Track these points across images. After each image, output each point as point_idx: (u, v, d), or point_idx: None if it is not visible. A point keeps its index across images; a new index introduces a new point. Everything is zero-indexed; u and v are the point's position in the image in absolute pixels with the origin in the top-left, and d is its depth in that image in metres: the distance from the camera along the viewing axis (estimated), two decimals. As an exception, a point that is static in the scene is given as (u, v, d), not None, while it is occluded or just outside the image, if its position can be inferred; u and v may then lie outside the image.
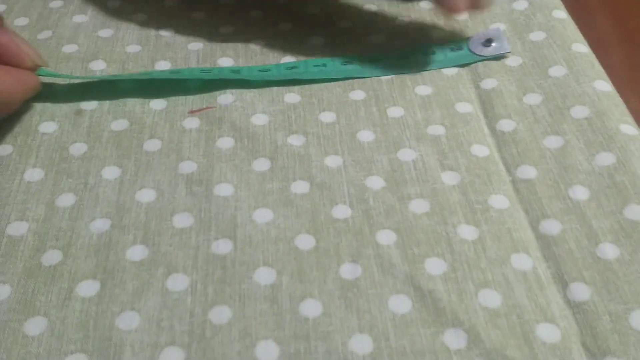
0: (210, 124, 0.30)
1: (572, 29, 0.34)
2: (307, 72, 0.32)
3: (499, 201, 0.27)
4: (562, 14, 0.35)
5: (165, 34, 0.36)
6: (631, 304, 0.23)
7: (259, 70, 0.33)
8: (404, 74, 0.32)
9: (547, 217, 0.26)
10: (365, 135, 0.30)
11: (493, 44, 0.33)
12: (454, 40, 0.34)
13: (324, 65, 0.33)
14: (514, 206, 0.26)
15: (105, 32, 0.35)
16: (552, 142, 0.29)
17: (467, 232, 0.25)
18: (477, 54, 0.33)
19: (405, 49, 0.34)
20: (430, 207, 0.26)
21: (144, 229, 0.26)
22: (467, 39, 0.34)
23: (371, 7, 0.37)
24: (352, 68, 0.33)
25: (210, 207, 0.27)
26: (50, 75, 0.32)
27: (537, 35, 0.34)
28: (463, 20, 0.35)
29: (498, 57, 0.33)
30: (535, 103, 0.30)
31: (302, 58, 0.34)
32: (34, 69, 0.30)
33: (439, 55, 0.33)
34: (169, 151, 0.29)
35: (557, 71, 0.32)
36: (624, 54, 0.34)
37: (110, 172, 0.28)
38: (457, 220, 0.26)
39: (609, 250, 0.24)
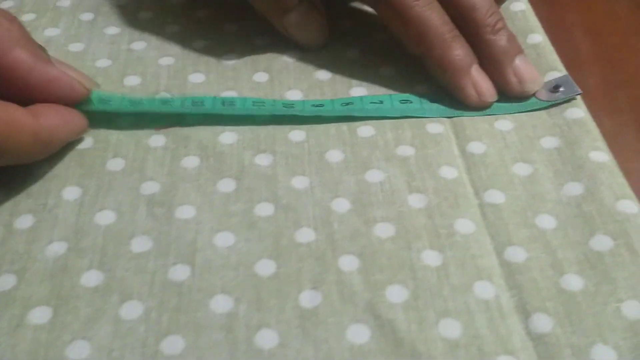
0: (176, 142, 0.30)
1: (548, 54, 0.34)
2: (364, 109, 0.31)
3: (465, 225, 0.26)
4: (538, 37, 0.34)
5: (136, 47, 0.35)
6: (593, 337, 0.22)
7: (313, 105, 0.31)
8: (466, 116, 0.31)
9: (513, 244, 0.25)
10: (334, 155, 0.29)
11: (561, 89, 0.31)
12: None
13: (381, 102, 0.31)
14: (479, 231, 0.26)
15: (75, 47, 0.35)
16: (521, 169, 0.28)
17: (431, 257, 0.25)
18: (544, 100, 0.31)
19: None
20: (396, 231, 0.26)
21: (100, 253, 0.25)
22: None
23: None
24: (411, 107, 0.31)
25: (170, 231, 0.26)
26: (102, 100, 0.30)
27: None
28: None
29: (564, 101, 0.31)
30: (506, 129, 0.30)
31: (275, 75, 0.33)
32: (88, 93, 0.29)
33: (504, 100, 0.31)
34: (132, 170, 0.29)
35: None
36: (600, 73, 0.34)
37: (71, 193, 0.28)
38: (422, 245, 0.25)
39: (573, 282, 0.24)
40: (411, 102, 0.32)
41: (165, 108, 0.30)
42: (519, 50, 0.31)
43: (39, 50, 0.28)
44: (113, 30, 0.36)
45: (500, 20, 0.31)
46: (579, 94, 0.31)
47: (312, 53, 0.34)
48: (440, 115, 0.31)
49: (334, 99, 0.32)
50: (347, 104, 0.31)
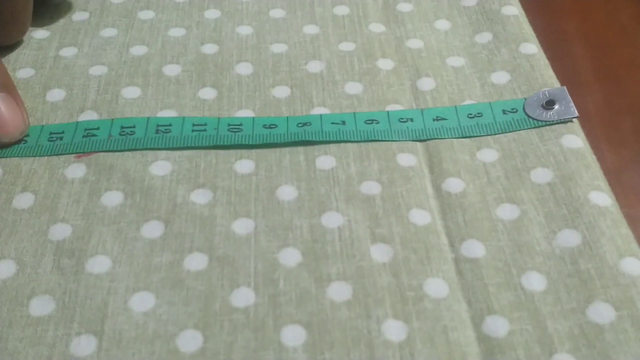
0: (98, 173, 0.25)
1: (543, 69, 0.29)
2: (322, 131, 0.26)
3: (437, 287, 0.21)
4: (532, 47, 0.30)
5: (66, 54, 0.30)
6: None
7: (264, 126, 0.27)
8: (442, 139, 0.26)
9: (493, 312, 0.21)
10: (287, 192, 0.25)
11: (555, 107, 0.27)
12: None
13: (343, 122, 0.27)
14: (454, 295, 0.21)
15: (-7, 52, 0.30)
16: (507, 212, 0.24)
17: (394, 330, 0.20)
18: (534, 118, 0.27)
19: (443, 107, 0.27)
20: (353, 293, 0.21)
21: (-9, 317, 0.21)
22: (524, 98, 0.28)
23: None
24: (377, 129, 0.26)
25: (78, 289, 0.21)
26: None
27: (499, 77, 0.29)
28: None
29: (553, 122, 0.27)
30: (490, 160, 0.25)
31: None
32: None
33: (487, 117, 0.27)
34: (41, 209, 0.24)
35: (518, 124, 0.27)
36: (602, 95, 0.29)
37: (-34, 236, 0.23)
38: (384, 312, 0.21)
39: (566, 364, 0.20)
40: (378, 122, 0.27)
41: (88, 141, 0.26)
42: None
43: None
44: (42, 33, 0.31)
45: None
46: (575, 117, 0.27)
47: (270, 65, 0.30)
48: (409, 139, 0.26)
49: (289, 116, 0.27)
50: (304, 124, 0.27)
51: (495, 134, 0.26)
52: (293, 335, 0.20)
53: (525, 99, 0.28)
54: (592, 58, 0.31)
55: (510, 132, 0.26)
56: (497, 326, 0.20)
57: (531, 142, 0.26)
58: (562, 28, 0.33)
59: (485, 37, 0.31)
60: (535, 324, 0.20)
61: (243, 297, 0.21)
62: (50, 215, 0.24)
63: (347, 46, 0.31)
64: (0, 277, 0.22)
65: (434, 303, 0.21)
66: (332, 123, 0.27)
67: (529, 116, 0.27)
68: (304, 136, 0.26)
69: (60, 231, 0.23)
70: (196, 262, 0.22)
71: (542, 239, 0.23)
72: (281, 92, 0.29)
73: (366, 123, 0.27)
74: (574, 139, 0.26)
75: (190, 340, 0.20)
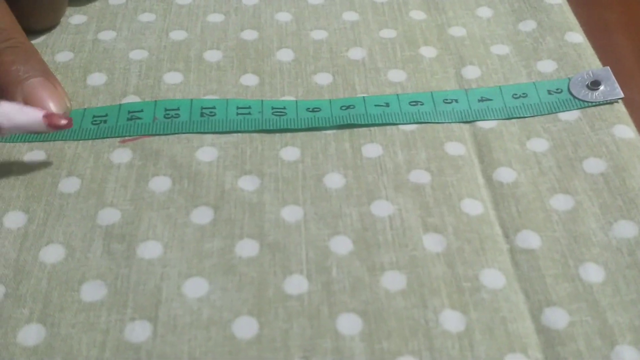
0: (145, 158, 0.25)
1: (589, 58, 0.28)
2: (367, 114, 0.26)
3: (493, 278, 0.21)
4: (577, 37, 0.29)
5: (104, 37, 0.30)
6: None
7: (308, 110, 0.26)
8: (487, 120, 0.26)
9: (552, 304, 0.21)
10: (334, 180, 0.24)
11: (601, 87, 0.26)
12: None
13: (387, 104, 0.26)
14: (511, 286, 0.21)
15: (33, 37, 0.30)
16: (560, 202, 0.23)
17: (452, 320, 0.20)
18: (580, 99, 0.26)
19: (487, 88, 0.27)
20: (408, 282, 0.21)
21: (43, 302, 0.20)
22: (567, 78, 0.27)
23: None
24: (422, 111, 0.26)
25: (130, 274, 0.21)
26: None
27: (545, 65, 0.28)
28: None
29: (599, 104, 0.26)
30: (540, 150, 0.25)
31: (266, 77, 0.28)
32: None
33: (532, 97, 0.27)
34: (88, 193, 0.24)
35: (568, 113, 0.26)
36: (648, 85, 0.29)
37: (14, 219, 0.23)
38: (440, 303, 0.21)
39: (628, 356, 0.19)
40: (422, 104, 0.27)
41: (133, 124, 0.26)
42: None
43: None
44: (79, 18, 0.31)
45: None
46: (620, 98, 0.26)
47: (311, 52, 0.29)
48: (455, 120, 0.26)
49: (332, 99, 0.27)
50: (348, 107, 0.27)
51: (541, 115, 0.26)
52: (349, 324, 0.20)
53: (569, 78, 0.27)
54: (636, 48, 0.31)
55: (556, 112, 0.26)
56: (557, 318, 0.20)
57: (582, 132, 0.26)
58: (604, 18, 0.32)
59: (529, 25, 0.30)
60: (595, 315, 0.20)
61: (296, 284, 0.21)
62: (97, 199, 0.23)
63: (388, 33, 0.30)
64: (49, 262, 0.22)
65: (491, 294, 0.21)
66: (376, 105, 0.27)
67: (574, 96, 0.27)
68: (348, 119, 0.26)
69: (109, 216, 0.23)
70: (247, 248, 0.22)
71: (598, 230, 0.22)
72: (323, 79, 0.28)
73: (410, 105, 0.27)
74: (626, 130, 0.25)
75: (245, 327, 0.20)
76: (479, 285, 0.21)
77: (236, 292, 0.21)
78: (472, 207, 0.23)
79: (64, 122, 0.23)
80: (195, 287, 0.21)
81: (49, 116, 0.23)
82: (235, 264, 0.22)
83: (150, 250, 0.22)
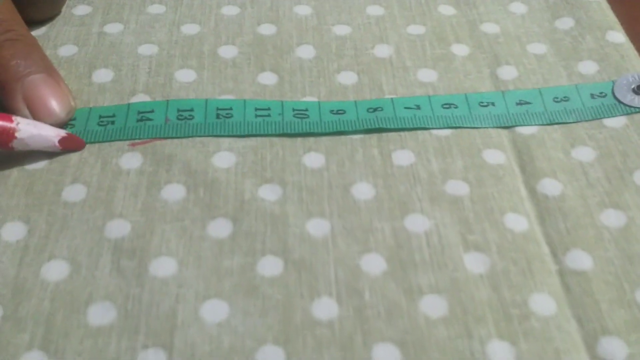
0: (156, 164, 0.23)
1: (633, 59, 0.26)
2: (396, 117, 0.24)
3: (543, 304, 0.19)
4: (618, 36, 0.27)
5: (110, 30, 0.28)
6: None
7: (331, 112, 0.24)
8: (527, 125, 0.24)
9: (608, 333, 0.19)
10: (363, 190, 0.22)
11: None
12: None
13: (418, 107, 0.24)
14: (562, 312, 0.19)
15: (34, 29, 0.27)
16: (611, 218, 0.21)
17: (500, 352, 0.18)
18: (625, 104, 0.24)
19: (525, 90, 0.25)
20: (449, 308, 0.19)
21: (45, 326, 0.18)
22: (611, 81, 0.25)
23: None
24: (456, 114, 0.24)
25: (142, 295, 0.19)
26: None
27: (587, 66, 0.26)
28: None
29: None
30: (587, 160, 0.23)
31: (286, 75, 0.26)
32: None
33: (574, 102, 0.25)
34: (95, 203, 0.22)
35: (614, 120, 0.24)
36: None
37: (13, 231, 0.21)
38: (487, 332, 0.19)
39: (699, 396, 0.17)
40: (456, 107, 0.25)
41: (143, 126, 0.24)
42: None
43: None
44: (83, 9, 0.29)
45: None
46: None
47: (333, 49, 0.27)
48: (492, 125, 0.24)
49: (357, 100, 0.25)
50: (375, 109, 0.25)
51: (585, 120, 0.24)
52: (385, 355, 0.18)
53: (613, 81, 0.25)
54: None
55: (601, 118, 0.24)
56: (614, 349, 0.18)
57: (630, 140, 0.24)
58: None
59: (566, 23, 0.28)
60: (657, 348, 0.18)
61: (325, 308, 0.19)
62: (105, 209, 0.21)
63: (416, 29, 0.28)
64: (52, 280, 0.19)
65: (542, 322, 0.19)
66: (406, 108, 0.25)
67: (619, 101, 0.25)
68: (376, 123, 0.24)
69: (118, 228, 0.21)
70: (270, 266, 0.20)
71: (656, 250, 0.20)
72: (347, 78, 0.26)
73: (443, 107, 0.25)
74: (678, 139, 0.24)
75: (271, 357, 0.18)
76: (528, 312, 0.19)
77: (259, 317, 0.19)
78: (516, 222, 0.21)
79: (79, 147, 0.23)
80: (215, 311, 0.19)
81: (63, 141, 0.23)
82: (258, 284, 0.20)
83: (163, 267, 0.20)
